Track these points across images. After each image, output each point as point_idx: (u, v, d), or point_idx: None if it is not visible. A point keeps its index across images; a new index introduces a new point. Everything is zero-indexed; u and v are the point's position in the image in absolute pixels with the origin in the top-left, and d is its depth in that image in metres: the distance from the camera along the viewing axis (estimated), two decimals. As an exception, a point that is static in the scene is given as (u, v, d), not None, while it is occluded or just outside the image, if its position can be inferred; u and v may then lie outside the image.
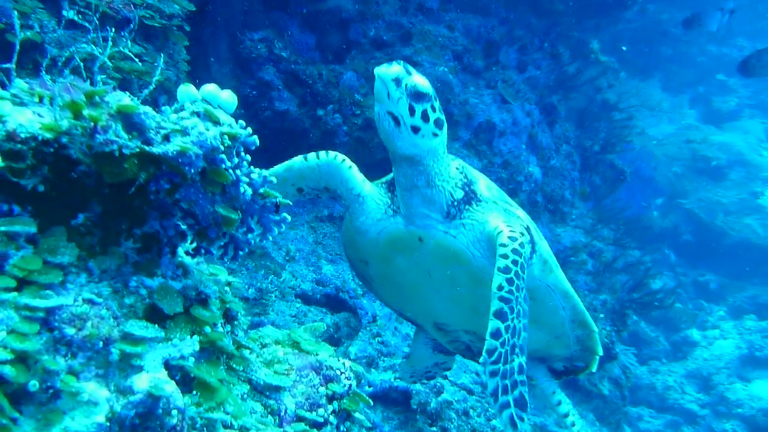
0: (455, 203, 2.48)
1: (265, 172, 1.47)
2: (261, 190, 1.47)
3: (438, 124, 2.32)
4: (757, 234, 12.33)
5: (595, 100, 8.09)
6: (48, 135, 1.22)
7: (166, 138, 1.34)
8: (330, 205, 5.25)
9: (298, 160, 2.72)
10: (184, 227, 1.47)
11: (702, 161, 13.73)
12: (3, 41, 2.62)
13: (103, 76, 2.99)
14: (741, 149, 14.29)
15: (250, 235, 1.52)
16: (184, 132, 1.33)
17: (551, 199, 6.75)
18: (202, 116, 1.36)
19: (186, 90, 1.38)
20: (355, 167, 2.68)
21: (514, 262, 2.30)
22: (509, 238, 2.36)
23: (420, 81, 2.24)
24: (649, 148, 12.48)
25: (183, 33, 3.51)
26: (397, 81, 2.21)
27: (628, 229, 7.38)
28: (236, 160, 1.42)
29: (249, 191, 1.43)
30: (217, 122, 1.38)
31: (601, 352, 2.93)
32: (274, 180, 1.48)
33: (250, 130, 1.45)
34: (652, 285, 7.11)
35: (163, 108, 1.42)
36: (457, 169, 2.52)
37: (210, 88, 1.39)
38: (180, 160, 1.32)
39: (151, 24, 3.17)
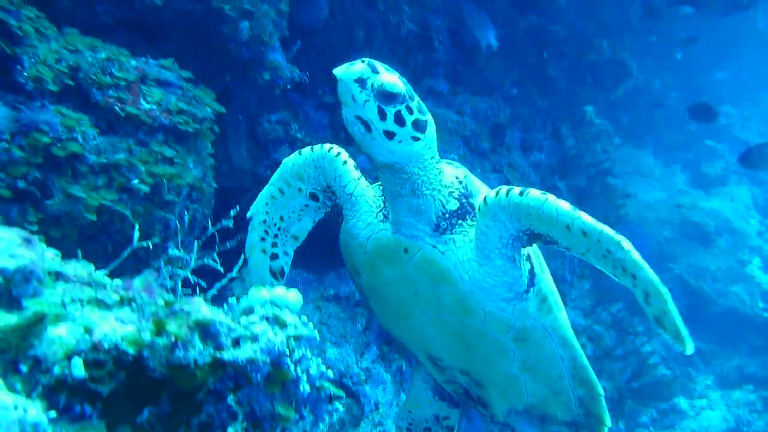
0: (446, 216, 2.23)
1: (322, 367, 1.53)
2: (317, 384, 1.53)
3: (417, 126, 2.05)
4: (744, 302, 12.48)
5: (595, 179, 8.30)
6: (131, 350, 1.28)
7: (236, 342, 1.40)
8: (336, 284, 5.30)
9: (291, 156, 2.52)
10: (236, 409, 1.52)
11: (691, 226, 13.95)
12: (49, 155, 2.69)
13: (138, 182, 3.07)
14: (729, 216, 14.56)
15: (300, 422, 1.57)
16: (254, 338, 1.40)
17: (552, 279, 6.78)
18: (270, 320, 1.43)
19: (257, 294, 1.45)
20: (351, 162, 2.44)
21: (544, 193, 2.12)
22: (510, 188, 2.16)
23: (389, 79, 1.96)
24: (643, 217, 12.70)
25: (212, 132, 3.61)
26: (361, 81, 1.94)
27: (629, 311, 7.46)
28: (297, 356, 1.49)
29: (308, 388, 1.49)
30: (284, 325, 1.45)
31: (609, 423, 2.63)
32: (330, 374, 1.54)
33: (311, 326, 1.52)
34: (652, 373, 7.15)
35: (231, 303, 1.49)
36: (456, 178, 2.29)
37: (279, 292, 1.46)
38: (249, 368, 1.38)
39: (185, 129, 3.27)
